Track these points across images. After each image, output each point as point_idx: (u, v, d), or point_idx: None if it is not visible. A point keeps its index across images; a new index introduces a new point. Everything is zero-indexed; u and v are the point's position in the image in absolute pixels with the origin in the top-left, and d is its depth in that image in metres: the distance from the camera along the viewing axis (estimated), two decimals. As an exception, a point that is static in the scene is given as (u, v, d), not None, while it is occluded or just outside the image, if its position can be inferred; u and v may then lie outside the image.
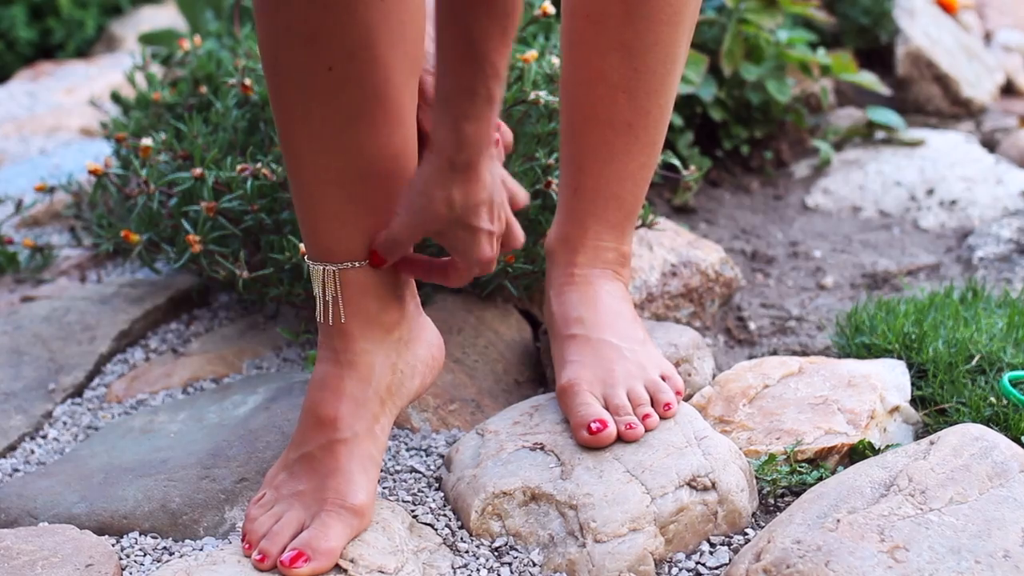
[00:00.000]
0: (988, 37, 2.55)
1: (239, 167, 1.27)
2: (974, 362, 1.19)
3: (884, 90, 1.98)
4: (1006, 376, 1.14)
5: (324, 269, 0.97)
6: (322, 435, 0.98)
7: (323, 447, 0.97)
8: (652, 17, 1.05)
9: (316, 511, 0.95)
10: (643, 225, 1.32)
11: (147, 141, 1.33)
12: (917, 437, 1.14)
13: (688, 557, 0.99)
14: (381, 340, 1.00)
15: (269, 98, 0.95)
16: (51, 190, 1.49)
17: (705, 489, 1.00)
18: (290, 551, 0.92)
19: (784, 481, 1.06)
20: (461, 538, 1.02)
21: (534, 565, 0.98)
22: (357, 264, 0.97)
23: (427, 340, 1.06)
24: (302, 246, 1.22)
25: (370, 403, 0.99)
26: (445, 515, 1.05)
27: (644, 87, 1.08)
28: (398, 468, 1.14)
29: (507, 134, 1.02)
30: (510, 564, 0.98)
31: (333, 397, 0.98)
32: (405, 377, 1.02)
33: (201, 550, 1.01)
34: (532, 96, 1.28)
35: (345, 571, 0.92)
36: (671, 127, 1.73)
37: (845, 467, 1.06)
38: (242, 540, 0.96)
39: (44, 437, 1.25)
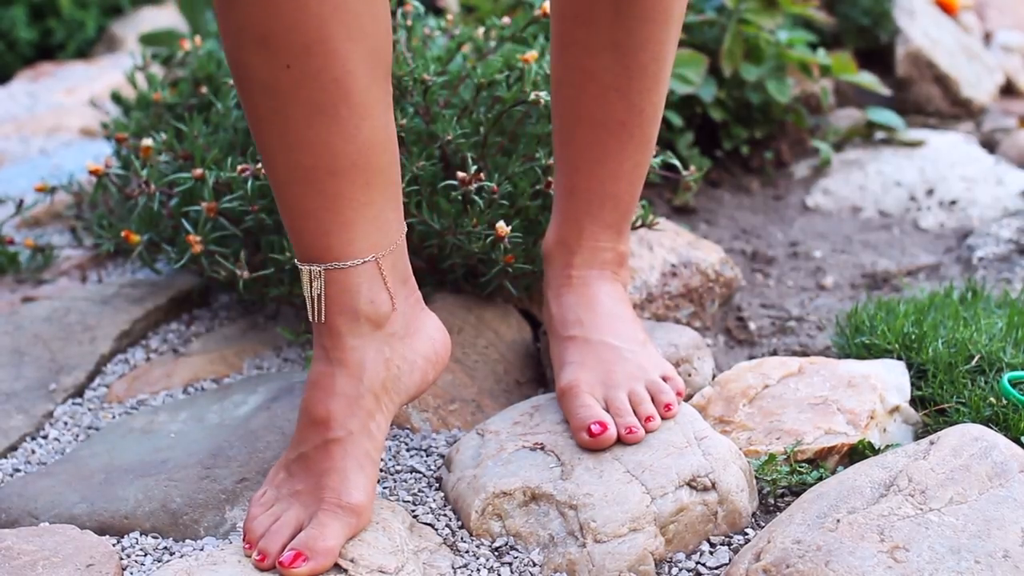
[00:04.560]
0: (988, 38, 2.55)
1: (239, 167, 1.27)
2: (974, 362, 1.19)
3: (884, 90, 1.99)
4: (1006, 376, 1.14)
5: (310, 269, 0.97)
6: (317, 435, 0.98)
7: (318, 447, 0.97)
8: (643, 16, 1.05)
9: (314, 511, 0.95)
10: (643, 225, 1.33)
11: (148, 141, 1.33)
12: (917, 437, 1.14)
13: (688, 557, 0.99)
14: (371, 335, 0.99)
15: (243, 104, 0.95)
16: (52, 190, 1.49)
17: (705, 489, 1.00)
18: (289, 551, 0.92)
19: (784, 481, 1.06)
20: (461, 538, 1.02)
21: (534, 565, 0.98)
22: (340, 265, 0.96)
23: (428, 334, 1.05)
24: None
25: (363, 400, 0.98)
26: (445, 515, 1.05)
27: (636, 86, 1.09)
28: (398, 468, 1.14)
29: None
30: (510, 564, 0.98)
31: (325, 396, 0.98)
32: (402, 372, 1.02)
33: (202, 550, 1.01)
34: (532, 96, 1.29)
35: (345, 571, 0.92)
36: (671, 127, 1.73)
37: (845, 467, 1.06)
38: (243, 539, 0.96)
39: (45, 437, 1.25)
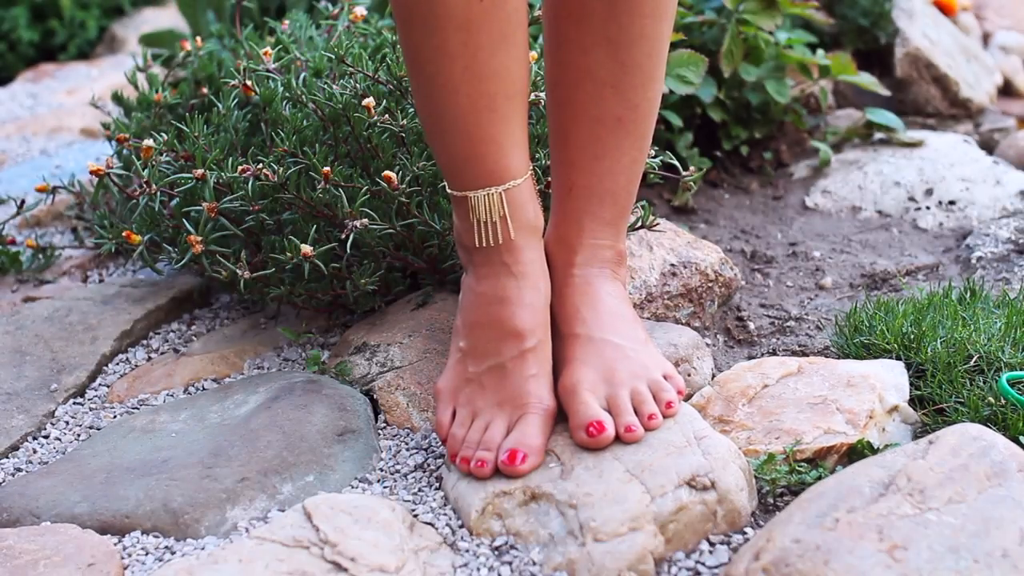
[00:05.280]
0: (986, 39, 2.55)
1: (240, 168, 1.27)
2: (972, 362, 1.19)
3: (883, 91, 1.99)
4: (1004, 376, 1.14)
5: (489, 194, 1.05)
6: (512, 346, 1.07)
7: (515, 358, 1.07)
8: (635, 11, 1.06)
9: (521, 415, 1.05)
10: (643, 226, 1.33)
11: (149, 142, 1.33)
12: (916, 437, 1.14)
13: (688, 556, 0.99)
14: (538, 245, 1.10)
15: (412, 52, 1.03)
16: (53, 191, 1.50)
17: (704, 488, 1.01)
18: (505, 452, 1.03)
19: (783, 480, 1.06)
20: (461, 537, 1.02)
21: (534, 564, 0.98)
22: (518, 181, 1.06)
23: None
24: (304, 247, 1.23)
25: (544, 309, 1.10)
26: (445, 514, 1.06)
27: (631, 81, 1.09)
28: (398, 467, 1.14)
29: None
30: (510, 563, 0.99)
31: (517, 309, 1.08)
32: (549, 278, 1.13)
33: (203, 549, 1.01)
34: (532, 96, 1.29)
35: (346, 570, 0.93)
36: (670, 128, 1.74)
37: (844, 467, 1.06)
38: (451, 459, 1.07)
39: (46, 437, 1.26)
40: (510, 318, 1.08)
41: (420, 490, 1.10)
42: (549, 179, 1.27)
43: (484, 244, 1.08)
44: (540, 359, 1.08)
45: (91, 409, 1.31)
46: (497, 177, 1.06)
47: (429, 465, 1.14)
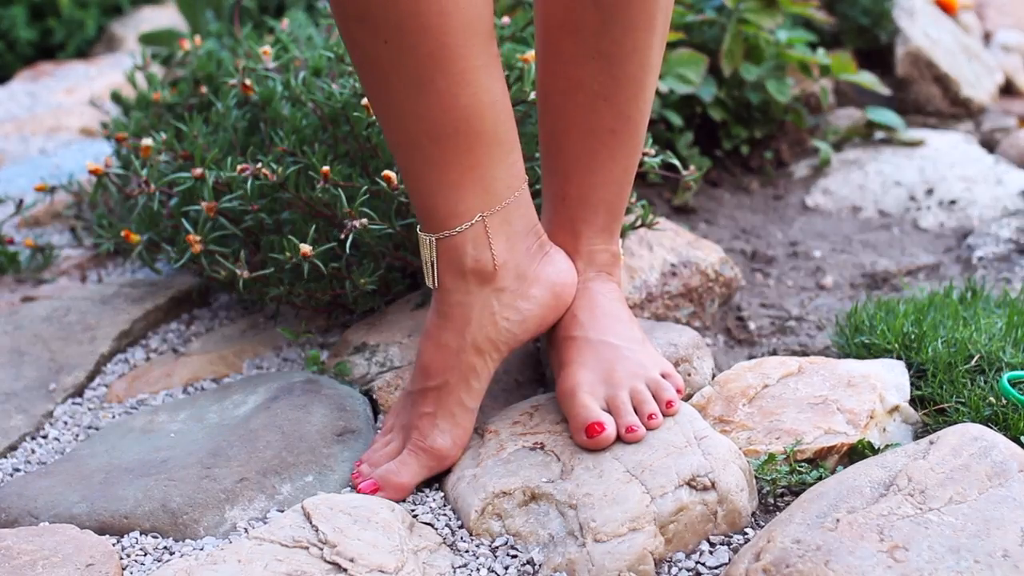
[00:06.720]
0: (987, 37, 2.55)
1: (239, 167, 1.27)
2: (973, 362, 1.19)
3: (884, 90, 1.98)
4: (1005, 376, 1.14)
5: (428, 239, 1.04)
6: (420, 380, 1.08)
7: (420, 391, 1.08)
8: (629, 24, 1.05)
9: (407, 448, 1.07)
10: (643, 225, 1.33)
11: (147, 141, 1.33)
12: (916, 437, 1.14)
13: (688, 557, 0.99)
14: (478, 292, 1.05)
15: (363, 87, 1.03)
16: (51, 190, 1.50)
17: (705, 489, 1.00)
18: (367, 481, 1.05)
19: (784, 481, 1.06)
20: (461, 538, 1.02)
21: (534, 564, 0.98)
22: (449, 233, 1.02)
23: (549, 280, 1.10)
24: (303, 247, 1.22)
25: (465, 353, 1.06)
26: (445, 515, 1.05)
27: (624, 93, 1.08)
28: (398, 468, 1.14)
29: None
30: (510, 564, 0.98)
31: (431, 346, 1.07)
32: (512, 324, 1.08)
33: (202, 550, 1.01)
34: (532, 96, 1.29)
35: (345, 570, 0.92)
36: (671, 127, 1.74)
37: (844, 467, 1.06)
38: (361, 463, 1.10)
39: (45, 437, 1.26)
40: (421, 353, 1.09)
41: (420, 490, 1.10)
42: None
43: (426, 279, 1.08)
44: (442, 400, 1.07)
45: (90, 409, 1.31)
46: (425, 216, 1.04)
47: (428, 465, 1.14)
